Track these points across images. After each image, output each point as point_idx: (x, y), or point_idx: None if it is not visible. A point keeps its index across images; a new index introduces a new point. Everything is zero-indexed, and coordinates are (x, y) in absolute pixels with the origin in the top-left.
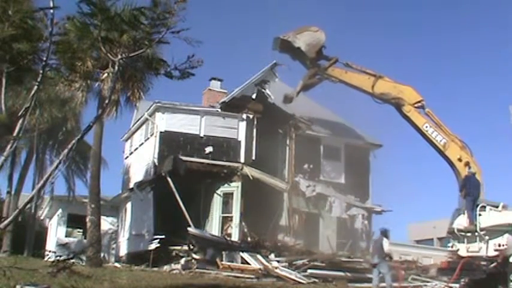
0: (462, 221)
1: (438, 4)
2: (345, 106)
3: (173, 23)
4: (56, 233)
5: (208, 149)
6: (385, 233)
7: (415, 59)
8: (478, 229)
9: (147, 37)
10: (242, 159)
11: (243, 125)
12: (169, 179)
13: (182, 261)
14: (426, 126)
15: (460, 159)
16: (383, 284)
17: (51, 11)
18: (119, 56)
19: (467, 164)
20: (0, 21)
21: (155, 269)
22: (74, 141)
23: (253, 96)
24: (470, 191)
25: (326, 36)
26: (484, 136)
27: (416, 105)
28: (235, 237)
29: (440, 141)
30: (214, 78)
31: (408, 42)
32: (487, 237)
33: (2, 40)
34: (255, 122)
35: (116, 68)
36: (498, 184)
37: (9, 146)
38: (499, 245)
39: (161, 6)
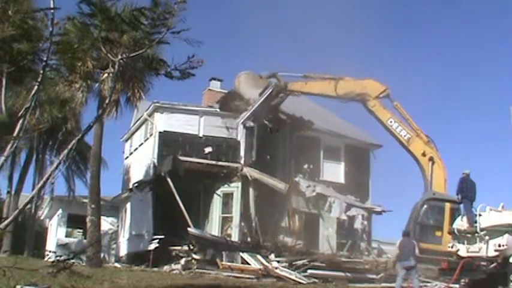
0: (462, 223)
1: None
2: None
3: (173, 23)
4: (56, 233)
5: (208, 149)
6: (409, 234)
7: (414, 58)
8: (478, 230)
9: (148, 37)
10: (242, 160)
11: (242, 125)
12: (168, 179)
13: (182, 261)
14: (391, 121)
15: (424, 154)
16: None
17: (52, 11)
18: (119, 56)
19: (431, 159)
20: (0, 21)
21: (155, 269)
22: (74, 142)
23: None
24: (467, 193)
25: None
26: (484, 136)
27: (381, 95)
28: (235, 237)
29: (405, 136)
30: (214, 78)
31: (407, 41)
32: (487, 238)
33: (2, 40)
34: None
35: (116, 68)
36: (498, 184)
37: (9, 146)
38: (499, 245)
39: (161, 7)
